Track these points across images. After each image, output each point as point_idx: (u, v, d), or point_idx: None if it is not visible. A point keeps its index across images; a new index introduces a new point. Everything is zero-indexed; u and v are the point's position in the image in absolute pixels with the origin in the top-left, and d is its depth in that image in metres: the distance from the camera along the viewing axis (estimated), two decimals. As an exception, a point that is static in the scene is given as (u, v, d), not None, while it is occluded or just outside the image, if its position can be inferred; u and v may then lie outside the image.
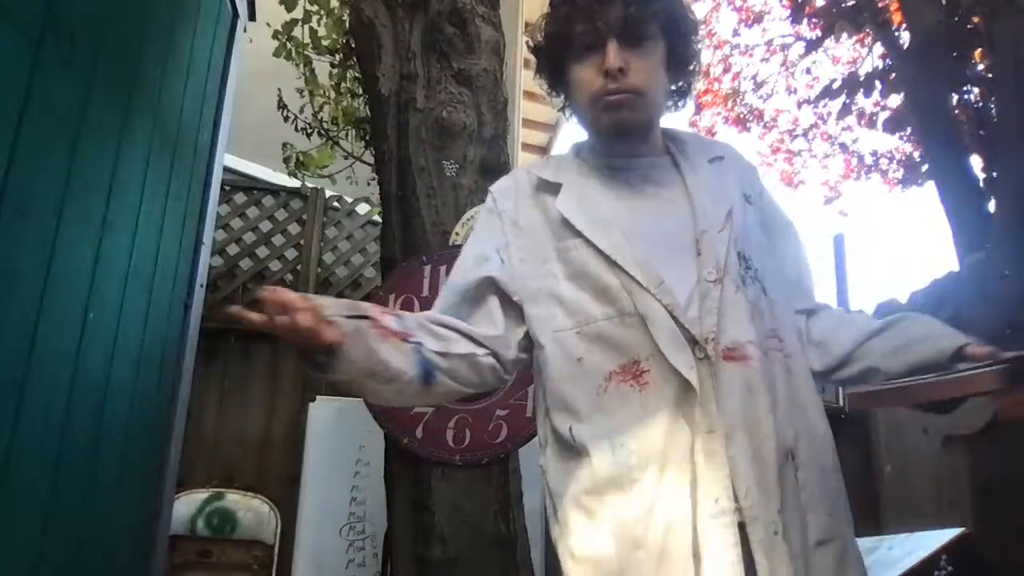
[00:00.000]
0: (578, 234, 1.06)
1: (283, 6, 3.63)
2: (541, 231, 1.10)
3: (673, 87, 1.18)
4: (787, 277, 1.14)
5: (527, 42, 1.22)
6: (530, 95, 6.46)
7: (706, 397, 0.94)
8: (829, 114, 6.92)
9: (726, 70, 7.87)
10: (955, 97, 4.29)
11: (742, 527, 0.91)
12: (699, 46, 1.19)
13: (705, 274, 1.01)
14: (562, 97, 1.20)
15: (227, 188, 3.86)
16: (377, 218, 3.67)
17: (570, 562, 0.99)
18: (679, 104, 1.21)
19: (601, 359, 1.00)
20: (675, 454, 0.94)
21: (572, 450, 1.01)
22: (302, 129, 3.91)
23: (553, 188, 1.13)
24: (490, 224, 1.16)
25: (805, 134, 7.69)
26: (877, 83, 5.37)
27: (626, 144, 1.14)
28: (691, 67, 1.19)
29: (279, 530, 3.29)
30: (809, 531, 0.95)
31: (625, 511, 0.94)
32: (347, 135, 3.92)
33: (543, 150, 7.69)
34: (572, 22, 1.08)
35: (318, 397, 3.42)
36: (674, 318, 0.97)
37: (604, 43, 1.06)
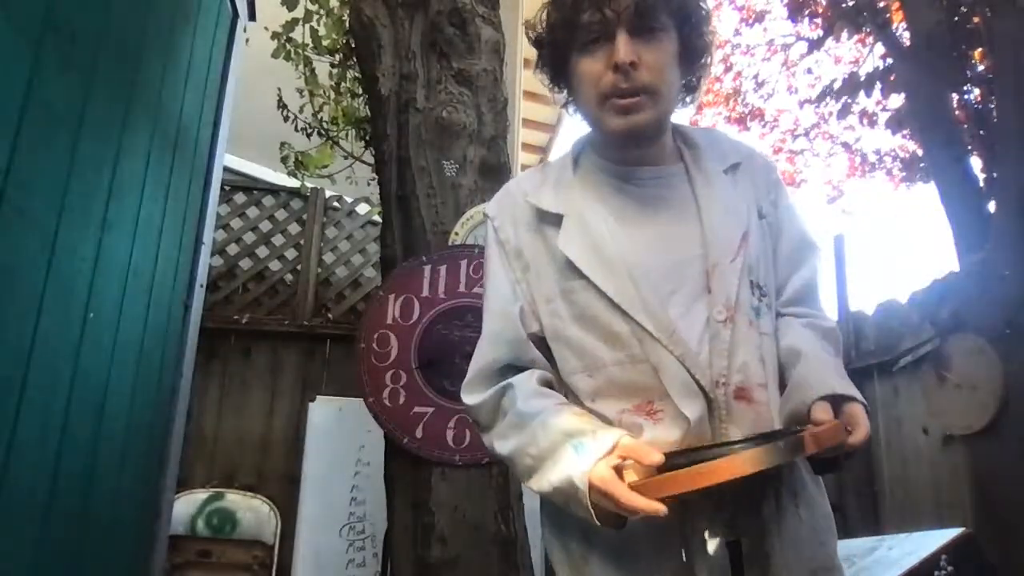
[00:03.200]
0: (583, 275, 0.99)
1: (284, 6, 3.63)
2: (545, 266, 1.03)
3: (684, 82, 1.07)
4: (782, 285, 1.08)
5: (527, 33, 1.11)
6: (530, 95, 6.45)
7: (711, 440, 0.93)
8: (831, 114, 6.92)
9: (727, 69, 7.87)
10: (955, 97, 4.29)
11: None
12: (711, 38, 1.08)
13: (715, 313, 0.96)
14: (564, 92, 1.10)
15: (227, 188, 3.86)
16: (377, 218, 3.68)
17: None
18: (687, 100, 1.11)
19: (613, 402, 0.97)
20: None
21: None
22: (302, 129, 3.91)
23: (553, 219, 1.04)
24: (498, 257, 1.09)
25: (807, 133, 7.69)
26: (877, 83, 5.37)
27: (635, 148, 1.05)
28: (703, 60, 1.08)
29: (279, 530, 3.30)
30: (803, 564, 0.95)
31: (630, 543, 0.93)
32: (347, 135, 3.92)
33: (543, 150, 7.69)
34: (578, 10, 0.99)
35: (318, 397, 3.42)
36: (686, 368, 0.94)
37: (613, 34, 0.97)
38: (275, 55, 3.75)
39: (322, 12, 3.75)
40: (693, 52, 1.06)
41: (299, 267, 3.96)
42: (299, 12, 3.70)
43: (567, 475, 0.87)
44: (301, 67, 3.79)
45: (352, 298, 3.97)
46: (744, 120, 7.88)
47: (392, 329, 2.11)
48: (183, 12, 1.93)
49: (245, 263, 3.93)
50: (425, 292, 2.13)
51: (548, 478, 0.90)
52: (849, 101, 5.81)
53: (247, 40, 2.44)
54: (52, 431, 1.33)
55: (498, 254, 1.09)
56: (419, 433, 2.04)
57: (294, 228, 4.08)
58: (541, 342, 1.04)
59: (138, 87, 1.63)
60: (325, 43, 3.76)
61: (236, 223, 3.96)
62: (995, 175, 3.71)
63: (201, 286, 2.10)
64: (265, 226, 4.02)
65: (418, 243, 2.21)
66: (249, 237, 3.97)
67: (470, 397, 1.05)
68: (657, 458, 0.83)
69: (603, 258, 0.99)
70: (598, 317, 0.98)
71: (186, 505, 3.20)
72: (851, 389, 0.93)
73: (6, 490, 1.17)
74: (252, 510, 3.33)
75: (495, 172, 2.34)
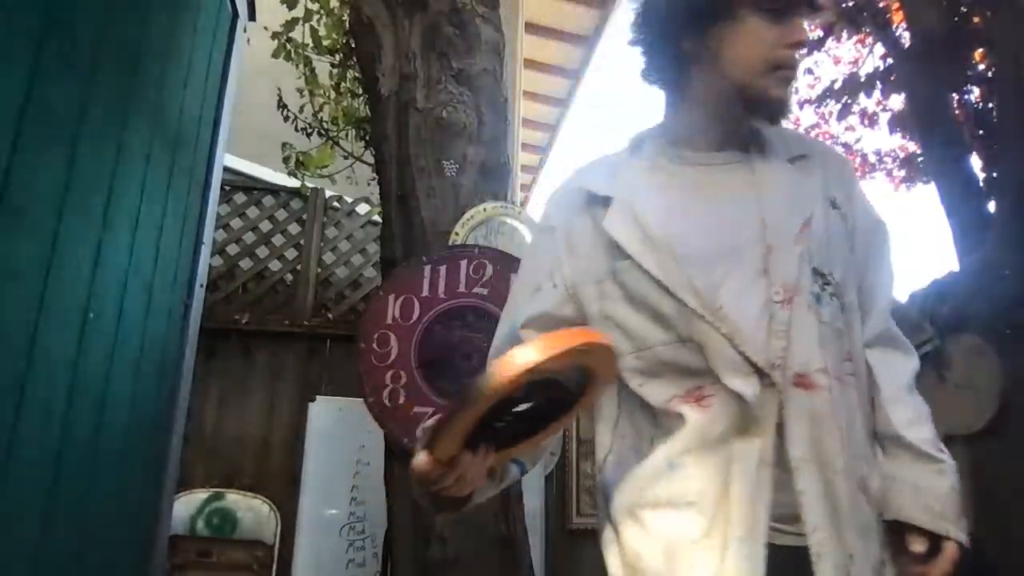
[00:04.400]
0: (628, 256, 0.98)
1: (284, 5, 3.63)
2: (594, 249, 1.02)
3: None
4: (864, 289, 1.06)
5: None
6: (530, 95, 6.45)
7: (769, 426, 0.90)
8: (831, 114, 6.91)
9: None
10: (955, 97, 4.29)
11: (808, 557, 0.88)
12: None
13: (772, 294, 0.94)
14: (681, 48, 1.03)
15: (227, 188, 3.87)
16: (377, 218, 3.68)
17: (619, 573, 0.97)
18: None
19: (661, 385, 0.96)
20: (735, 481, 0.90)
21: (636, 461, 0.98)
22: (302, 129, 3.91)
23: (603, 202, 1.03)
24: (544, 243, 1.08)
25: (807, 134, 7.68)
26: (877, 83, 5.37)
27: (736, 130, 1.05)
28: None
29: (279, 530, 3.30)
30: (874, 560, 0.92)
31: (680, 531, 0.92)
32: (347, 135, 3.92)
33: (543, 150, 7.69)
34: None
35: (318, 397, 3.42)
36: (734, 346, 0.92)
37: (793, 12, 0.98)
38: (275, 55, 3.75)
39: (322, 12, 3.75)
40: None
41: (299, 267, 3.96)
42: (299, 12, 3.71)
43: None
44: (301, 67, 3.80)
45: (352, 298, 3.97)
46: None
47: (392, 329, 2.11)
48: (183, 12, 1.93)
49: (245, 263, 3.93)
50: (425, 292, 2.13)
51: None
52: (849, 101, 5.81)
53: (247, 40, 2.44)
54: (52, 431, 1.33)
55: (544, 239, 1.09)
56: (419, 433, 2.04)
57: (294, 228, 4.08)
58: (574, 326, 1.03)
59: (138, 87, 1.63)
60: (325, 43, 3.77)
61: (236, 223, 3.96)
62: (995, 175, 3.71)
63: (201, 286, 2.10)
64: (265, 226, 4.02)
65: (418, 243, 2.21)
66: (249, 237, 3.97)
67: None
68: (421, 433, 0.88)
69: (648, 238, 0.98)
70: (646, 297, 0.97)
71: (186, 505, 3.20)
72: (945, 525, 0.93)
73: (6, 490, 1.17)
74: (252, 510, 3.33)
75: (495, 172, 2.34)
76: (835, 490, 0.90)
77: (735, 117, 1.04)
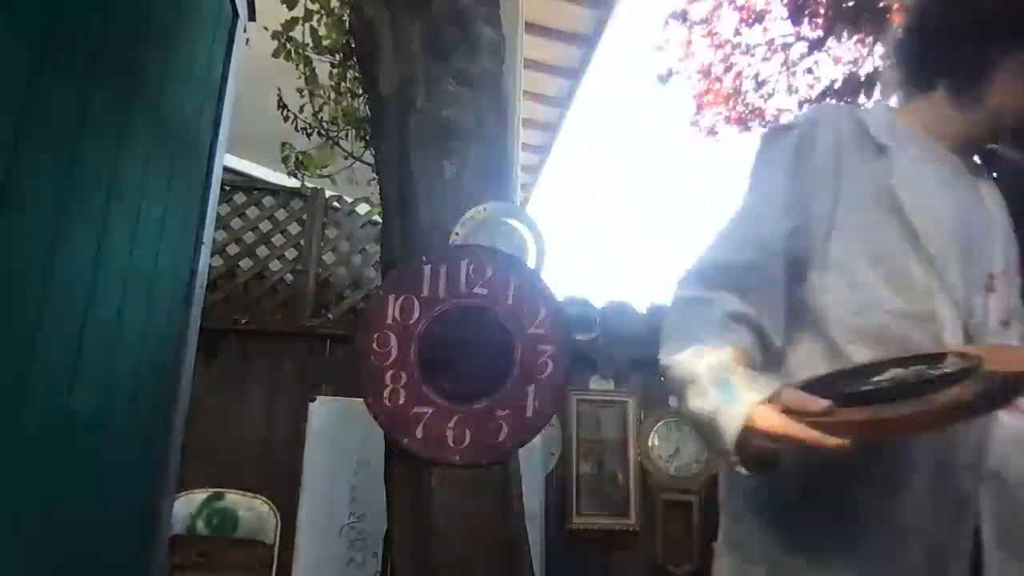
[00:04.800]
0: (896, 213, 0.94)
1: (284, 5, 3.63)
2: (851, 191, 0.97)
3: None
4: None
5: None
6: (530, 95, 6.45)
7: (977, 430, 0.89)
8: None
9: (727, 69, 7.87)
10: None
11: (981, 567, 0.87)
12: None
13: (1000, 312, 0.94)
14: (985, 52, 1.02)
15: (227, 188, 3.86)
16: (377, 218, 3.68)
17: (782, 550, 0.93)
18: None
19: (874, 352, 0.90)
20: (940, 476, 0.88)
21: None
22: (302, 129, 3.91)
23: (878, 149, 0.99)
24: (800, 165, 1.01)
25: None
26: (877, 84, 5.37)
27: (979, 146, 1.09)
28: None
29: (279, 530, 3.30)
30: None
31: (867, 513, 0.90)
32: (347, 135, 3.92)
33: (543, 150, 7.69)
34: None
35: (318, 397, 3.42)
36: (968, 337, 0.90)
37: None
38: (275, 55, 3.75)
39: (322, 12, 3.75)
40: None
41: (299, 267, 3.96)
42: (299, 12, 3.71)
43: (711, 410, 0.81)
44: (301, 67, 3.80)
45: (352, 298, 3.97)
46: (744, 120, 7.87)
47: (392, 329, 2.11)
48: (183, 13, 1.93)
49: (245, 263, 3.93)
50: (425, 292, 2.13)
51: (693, 404, 0.85)
52: (849, 101, 5.81)
53: (247, 40, 2.44)
54: (52, 432, 1.33)
55: (792, 164, 1.02)
56: (419, 433, 2.04)
57: (294, 228, 4.08)
58: (792, 262, 0.98)
59: (138, 87, 1.63)
60: (325, 43, 3.76)
61: (236, 223, 3.96)
62: (995, 175, 3.71)
63: (201, 286, 2.10)
64: (265, 226, 4.02)
65: (418, 243, 2.21)
66: (249, 237, 3.97)
67: (681, 289, 0.99)
68: (824, 405, 0.76)
69: (933, 206, 0.95)
70: (895, 258, 0.93)
71: (186, 505, 3.20)
72: None
73: (6, 490, 1.17)
74: (252, 510, 3.33)
75: (495, 172, 2.34)
76: (1021, 513, 0.89)
77: (996, 133, 1.06)
